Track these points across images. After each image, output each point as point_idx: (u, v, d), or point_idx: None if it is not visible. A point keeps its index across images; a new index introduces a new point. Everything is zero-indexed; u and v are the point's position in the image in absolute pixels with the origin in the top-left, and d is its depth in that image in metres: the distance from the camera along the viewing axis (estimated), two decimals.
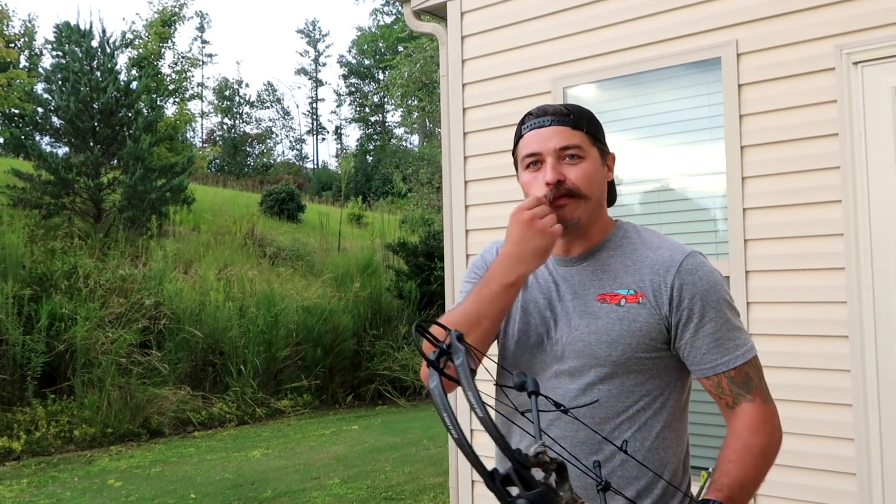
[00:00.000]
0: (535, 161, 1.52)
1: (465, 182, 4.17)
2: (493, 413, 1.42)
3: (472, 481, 4.06)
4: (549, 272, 1.58)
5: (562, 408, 1.16)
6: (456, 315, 1.48)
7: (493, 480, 0.87)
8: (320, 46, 52.06)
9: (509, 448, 0.88)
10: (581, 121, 1.54)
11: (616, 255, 1.54)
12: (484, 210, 4.11)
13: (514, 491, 0.87)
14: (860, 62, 2.97)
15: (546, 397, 1.12)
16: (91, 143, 14.20)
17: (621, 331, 1.47)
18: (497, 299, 1.46)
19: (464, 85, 4.19)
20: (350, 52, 49.66)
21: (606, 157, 1.59)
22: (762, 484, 1.48)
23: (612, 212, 1.65)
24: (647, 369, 1.49)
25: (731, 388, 1.47)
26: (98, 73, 14.43)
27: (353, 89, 49.46)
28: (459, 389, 1.15)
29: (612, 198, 1.64)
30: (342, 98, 51.04)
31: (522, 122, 1.58)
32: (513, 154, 1.62)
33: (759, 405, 1.46)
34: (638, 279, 1.49)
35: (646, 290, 1.48)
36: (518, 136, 1.59)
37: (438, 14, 4.47)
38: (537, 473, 0.88)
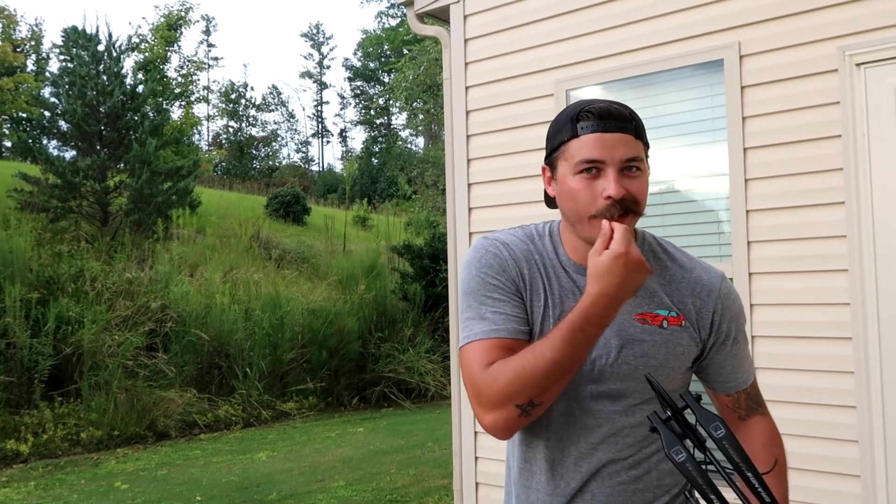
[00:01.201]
0: (593, 168, 1.35)
1: (469, 185, 4.18)
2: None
3: (476, 483, 4.06)
4: (572, 283, 1.44)
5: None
6: (545, 364, 1.30)
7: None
8: (325, 49, 52.14)
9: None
10: (641, 130, 1.40)
11: (657, 269, 1.46)
12: (487, 212, 4.12)
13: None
14: (863, 64, 2.97)
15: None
16: (98, 147, 14.25)
17: (667, 355, 1.41)
18: (593, 342, 1.33)
19: (467, 88, 4.20)
20: (355, 54, 49.77)
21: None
22: None
23: None
24: (678, 387, 1.47)
25: (748, 403, 1.54)
26: (104, 77, 14.48)
27: (358, 92, 49.53)
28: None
29: None
30: (347, 101, 51.13)
31: (576, 119, 1.38)
32: (551, 152, 1.44)
33: (769, 417, 1.56)
34: (678, 300, 1.43)
35: (688, 313, 1.44)
36: (570, 135, 1.39)
37: (442, 17, 4.48)
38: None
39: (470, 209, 4.17)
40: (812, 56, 3.10)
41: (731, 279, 3.19)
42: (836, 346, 3.00)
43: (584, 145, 1.36)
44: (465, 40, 4.20)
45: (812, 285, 3.08)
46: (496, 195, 4.07)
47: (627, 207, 1.35)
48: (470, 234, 4.17)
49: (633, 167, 1.36)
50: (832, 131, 3.04)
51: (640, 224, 1.45)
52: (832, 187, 3.03)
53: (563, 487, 1.43)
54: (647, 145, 1.41)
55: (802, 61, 3.13)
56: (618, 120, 1.36)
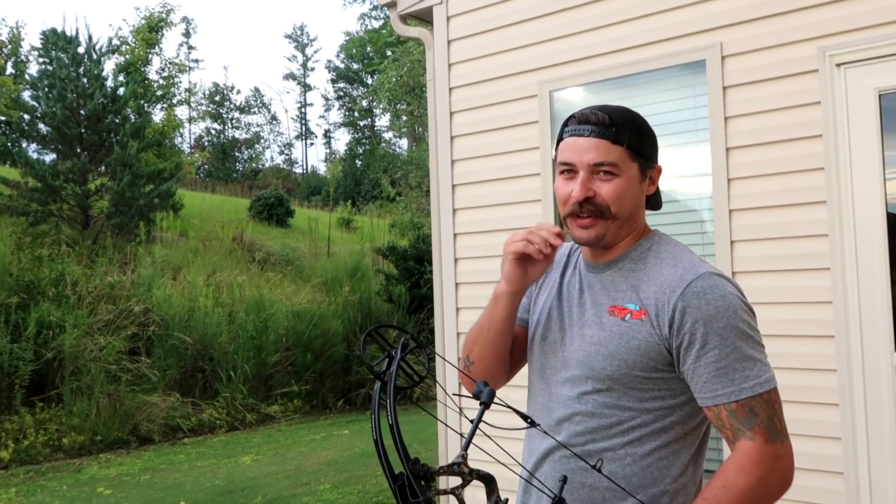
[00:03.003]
0: (567, 170, 1.49)
1: (453, 185, 4.18)
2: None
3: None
4: (579, 277, 1.58)
5: (529, 420, 1.22)
6: (475, 324, 1.64)
7: (394, 483, 1.02)
8: (308, 51, 52.00)
9: (407, 458, 1.05)
10: (624, 134, 1.47)
11: (636, 269, 1.50)
12: (472, 214, 4.12)
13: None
14: (843, 64, 3.00)
15: (517, 411, 1.24)
16: (78, 150, 14.13)
17: (619, 346, 1.44)
18: (490, 309, 1.59)
19: (451, 89, 4.20)
20: (338, 56, 49.65)
21: (649, 171, 1.53)
22: None
23: None
24: (646, 388, 1.45)
25: (731, 422, 1.38)
26: (85, 80, 14.36)
27: (342, 94, 49.43)
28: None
29: (656, 204, 1.60)
30: (331, 102, 51.01)
31: (566, 123, 1.52)
32: (554, 150, 1.59)
33: (758, 444, 1.36)
34: (645, 296, 1.45)
35: (650, 307, 1.44)
36: (559, 139, 1.53)
37: (425, 18, 4.48)
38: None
39: (454, 210, 4.17)
40: (793, 56, 3.13)
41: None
42: (818, 344, 3.03)
43: (563, 148, 1.50)
44: (449, 41, 4.20)
45: (795, 284, 3.10)
46: (481, 196, 4.07)
47: (594, 209, 1.46)
48: (454, 234, 4.17)
49: (605, 171, 1.46)
50: (813, 131, 3.06)
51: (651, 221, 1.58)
52: (814, 186, 3.05)
53: (530, 456, 1.58)
54: (637, 151, 1.48)
55: (783, 62, 3.15)
56: (595, 125, 1.46)
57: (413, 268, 12.85)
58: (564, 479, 1.19)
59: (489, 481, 1.16)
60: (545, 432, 1.44)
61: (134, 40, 23.40)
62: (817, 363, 3.02)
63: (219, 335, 10.21)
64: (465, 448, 1.15)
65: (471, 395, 1.19)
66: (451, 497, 1.14)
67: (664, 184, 3.50)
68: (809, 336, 3.05)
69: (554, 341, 1.56)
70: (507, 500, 1.19)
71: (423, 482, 1.07)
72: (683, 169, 3.51)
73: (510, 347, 1.64)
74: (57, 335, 8.90)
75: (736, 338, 1.38)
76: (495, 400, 1.21)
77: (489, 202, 4.03)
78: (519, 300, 1.59)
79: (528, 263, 1.53)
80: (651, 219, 1.71)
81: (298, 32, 52.38)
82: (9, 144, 14.47)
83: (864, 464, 2.90)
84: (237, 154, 43.15)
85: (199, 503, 6.21)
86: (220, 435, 9.41)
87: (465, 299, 4.14)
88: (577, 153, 1.47)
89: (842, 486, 2.94)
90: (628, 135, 1.47)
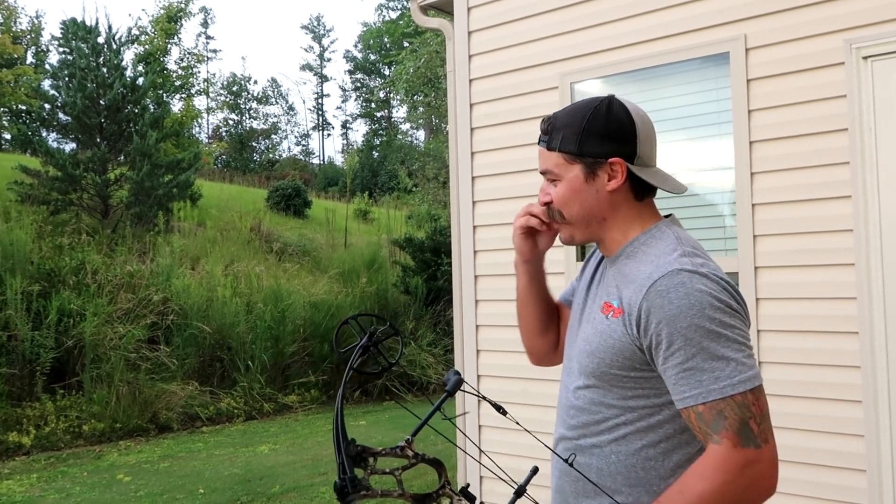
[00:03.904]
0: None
1: (473, 178, 4.17)
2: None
3: (481, 477, 4.06)
4: (600, 264, 1.60)
5: (501, 410, 1.30)
6: None
7: (340, 457, 1.15)
8: (325, 42, 52.04)
9: (344, 441, 1.17)
10: (556, 138, 1.48)
11: (626, 264, 1.47)
12: (491, 206, 4.11)
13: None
14: (870, 57, 2.95)
15: (489, 401, 1.35)
16: (98, 140, 14.23)
17: (598, 344, 1.44)
18: (516, 280, 1.73)
19: (471, 80, 4.18)
20: (356, 47, 49.66)
21: (600, 168, 1.46)
22: None
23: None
24: (627, 387, 1.42)
25: (699, 425, 1.32)
26: (104, 70, 14.45)
27: (359, 85, 49.45)
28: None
29: (649, 191, 1.53)
30: (348, 94, 51.06)
31: None
32: None
33: (724, 448, 1.29)
34: (626, 294, 1.42)
35: (626, 306, 1.40)
36: None
37: (445, 9, 4.46)
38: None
39: (474, 202, 4.16)
40: (818, 49, 3.09)
41: (735, 273, 3.18)
42: (842, 341, 3.00)
43: None
44: (469, 33, 4.18)
45: (818, 279, 3.07)
46: (500, 188, 4.06)
47: (552, 214, 1.54)
48: (474, 227, 4.16)
49: (550, 178, 1.51)
50: (838, 125, 3.03)
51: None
52: (838, 181, 3.02)
53: (554, 443, 1.60)
54: (572, 153, 1.47)
55: (809, 54, 3.11)
56: (541, 134, 1.52)
57: (430, 259, 12.85)
58: (573, 456, 1.36)
59: (438, 465, 1.26)
60: (517, 423, 1.39)
61: (153, 30, 23.52)
62: (841, 360, 2.99)
63: (237, 325, 10.27)
64: (414, 434, 1.25)
65: (392, 447, 1.29)
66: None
67: (685, 177, 3.49)
68: (833, 332, 3.02)
69: (572, 332, 1.60)
70: (468, 485, 1.33)
71: (363, 461, 1.19)
72: (705, 163, 3.48)
73: (546, 319, 1.74)
74: (77, 323, 8.99)
75: (702, 338, 1.31)
76: (466, 389, 1.29)
77: (509, 194, 4.02)
78: (534, 269, 1.70)
79: (536, 235, 1.64)
80: (673, 212, 1.67)
81: (315, 23, 52.44)
82: (29, 133, 14.61)
83: (887, 461, 2.88)
84: (255, 144, 43.31)
85: (217, 491, 6.26)
86: (237, 424, 9.48)
87: (483, 291, 4.14)
88: (539, 162, 1.55)
89: (864, 484, 2.92)
90: (561, 138, 1.47)
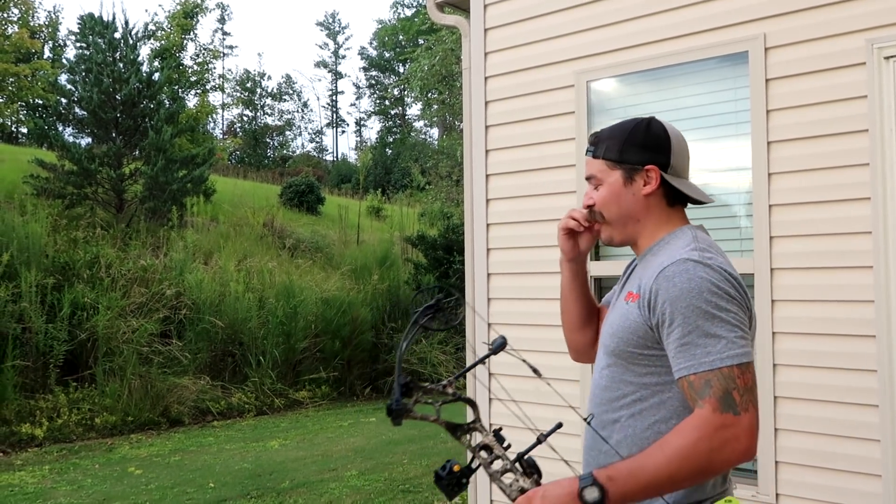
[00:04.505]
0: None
1: (487, 176, 4.15)
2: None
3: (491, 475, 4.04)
4: (633, 265, 1.81)
5: (537, 373, 1.68)
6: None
7: (400, 386, 1.50)
8: (340, 39, 52.10)
9: (398, 374, 1.52)
10: (600, 148, 1.73)
11: (651, 260, 1.69)
12: (505, 204, 4.09)
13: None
14: (891, 57, 2.91)
15: (528, 364, 1.72)
16: (113, 134, 14.31)
17: (619, 325, 1.66)
18: (561, 278, 1.93)
19: (486, 78, 4.16)
20: (371, 44, 49.69)
21: (637, 174, 1.70)
22: (676, 486, 1.50)
23: None
24: (641, 364, 1.63)
25: (690, 393, 1.52)
26: (121, 65, 14.53)
27: (373, 82, 49.49)
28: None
29: (680, 199, 1.74)
30: (362, 91, 51.11)
31: None
32: None
33: (704, 412, 1.48)
34: (643, 282, 1.63)
35: (641, 292, 1.62)
36: None
37: (461, 6, 4.45)
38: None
39: (488, 200, 4.14)
40: (839, 49, 3.05)
41: (750, 274, 3.15)
42: (859, 344, 2.96)
43: None
44: (486, 30, 4.16)
45: (835, 282, 3.03)
46: (515, 186, 4.04)
47: (595, 216, 1.77)
48: (487, 225, 4.14)
49: (594, 182, 1.75)
50: (859, 125, 2.99)
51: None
52: (858, 182, 2.98)
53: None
54: (614, 160, 1.71)
55: (829, 54, 3.07)
56: (588, 145, 1.78)
57: (442, 257, 12.85)
58: (592, 416, 1.66)
59: (472, 404, 1.53)
60: (548, 382, 1.73)
61: (169, 26, 23.62)
62: (857, 363, 2.96)
63: (249, 320, 10.30)
64: (456, 378, 1.54)
65: (434, 385, 1.57)
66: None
67: (702, 178, 3.46)
68: (849, 335, 2.98)
69: (605, 326, 1.81)
70: (500, 427, 1.58)
71: (411, 391, 1.51)
72: (722, 163, 3.45)
73: (586, 316, 1.94)
74: (91, 316, 9.04)
75: (697, 317, 1.52)
76: (509, 350, 1.60)
77: (523, 192, 4.00)
78: (576, 268, 1.90)
79: (577, 236, 1.85)
80: (689, 212, 1.75)
81: (331, 20, 52.53)
82: (46, 127, 14.70)
83: None
84: (269, 141, 43.44)
85: (227, 485, 6.28)
86: (248, 419, 9.51)
87: (496, 289, 4.12)
88: (585, 171, 1.79)
89: (880, 489, 2.88)
90: (605, 147, 1.72)
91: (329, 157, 49.27)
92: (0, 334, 8.26)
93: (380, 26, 48.11)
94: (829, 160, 3.06)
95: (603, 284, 3.66)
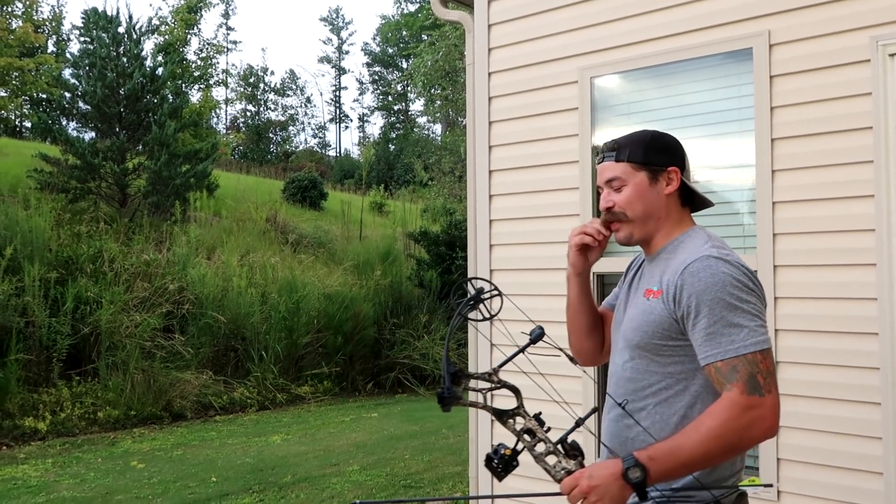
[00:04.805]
0: (601, 189, 1.91)
1: (490, 171, 4.15)
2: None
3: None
4: (640, 266, 1.96)
5: (575, 363, 1.96)
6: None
7: (449, 374, 1.62)
8: (343, 34, 52.06)
9: (447, 364, 1.64)
10: (623, 152, 1.85)
11: (668, 258, 1.83)
12: (508, 200, 4.09)
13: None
14: None
15: (564, 352, 1.89)
16: (117, 129, 14.31)
17: (643, 320, 1.79)
18: (568, 291, 2.05)
19: (490, 73, 4.16)
20: (374, 40, 49.64)
21: (661, 174, 1.85)
22: (710, 462, 1.65)
23: None
24: (666, 354, 1.76)
25: (718, 378, 1.67)
26: (124, 59, 14.52)
27: (377, 78, 49.45)
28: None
29: (702, 202, 1.91)
30: (365, 86, 51.07)
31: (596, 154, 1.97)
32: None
33: (733, 394, 1.63)
34: (665, 279, 1.77)
35: (665, 288, 1.76)
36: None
37: (465, 2, 4.44)
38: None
39: (491, 196, 4.14)
40: (844, 46, 3.04)
41: (754, 271, 3.15)
42: (862, 341, 2.96)
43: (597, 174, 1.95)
44: (489, 25, 4.16)
45: (838, 279, 3.03)
46: (518, 182, 4.04)
47: (615, 216, 1.87)
48: (490, 221, 4.14)
49: (615, 185, 1.86)
50: (863, 123, 2.98)
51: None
52: (861, 180, 2.97)
53: (605, 412, 1.92)
54: (639, 162, 1.84)
55: (834, 51, 3.07)
56: (605, 152, 1.89)
57: (444, 253, 12.85)
58: (626, 402, 1.76)
59: (516, 391, 1.64)
60: (582, 371, 1.93)
61: (173, 20, 23.60)
62: (860, 361, 2.95)
63: (251, 315, 10.32)
64: (500, 365, 1.67)
65: (482, 372, 1.69)
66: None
67: (704, 174, 3.46)
68: (852, 333, 2.98)
69: (618, 321, 1.94)
70: (539, 412, 1.68)
71: (458, 379, 1.63)
72: (725, 160, 3.44)
73: (592, 323, 2.07)
74: (94, 311, 9.06)
75: (722, 308, 1.67)
76: (546, 341, 1.73)
77: (526, 189, 4.00)
78: (584, 282, 2.02)
79: (587, 250, 1.97)
80: (701, 211, 1.78)
81: (334, 15, 52.47)
82: (49, 122, 14.70)
83: None
84: (272, 136, 43.43)
85: (229, 480, 6.30)
86: (250, 414, 9.53)
87: (499, 286, 4.11)
88: (599, 176, 1.90)
89: (881, 487, 2.88)
90: (628, 151, 1.85)
91: (332, 153, 49.27)
92: (3, 328, 8.28)
93: (383, 21, 48.05)
94: (832, 157, 3.06)
95: (606, 281, 3.66)
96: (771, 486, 1.81)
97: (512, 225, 4.08)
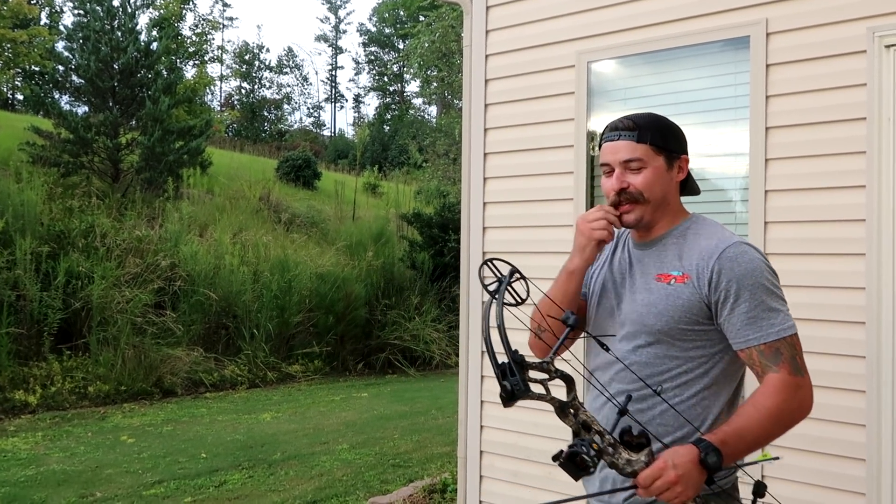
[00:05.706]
0: (608, 170, 1.85)
1: (485, 154, 4.15)
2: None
3: (481, 451, 4.09)
4: (628, 253, 1.91)
5: (605, 347, 1.70)
6: (543, 299, 1.87)
7: (506, 366, 1.49)
8: (341, 13, 51.67)
9: (508, 351, 1.49)
10: (646, 134, 1.81)
11: (678, 243, 1.83)
12: (503, 183, 4.10)
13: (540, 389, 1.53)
14: (892, 45, 2.92)
15: (594, 337, 1.80)
16: (110, 103, 14.22)
17: (666, 305, 1.77)
18: (564, 284, 1.88)
19: (487, 56, 4.15)
20: (371, 19, 49.31)
21: (676, 161, 1.85)
22: (769, 441, 1.69)
23: None
24: (689, 339, 1.76)
25: (761, 360, 1.69)
26: (119, 33, 14.40)
27: (373, 58, 49.18)
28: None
29: (693, 190, 1.91)
30: (361, 66, 50.79)
31: (602, 132, 1.88)
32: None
33: (783, 375, 1.67)
34: (688, 263, 1.78)
35: (692, 272, 1.76)
36: (599, 145, 1.90)
37: None
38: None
39: (485, 179, 4.15)
40: (840, 36, 3.05)
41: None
42: (848, 330, 2.99)
43: (602, 152, 1.87)
44: (487, 7, 4.14)
45: (828, 268, 3.06)
46: (512, 165, 4.05)
47: (630, 197, 1.82)
48: (484, 203, 4.15)
49: (633, 165, 1.81)
50: (857, 113, 3.00)
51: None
52: (854, 170, 3.00)
53: (593, 403, 1.89)
54: (660, 146, 1.81)
55: (830, 41, 3.08)
56: (623, 130, 1.83)
57: (437, 235, 12.86)
58: (629, 397, 1.60)
59: (569, 381, 1.54)
60: (611, 355, 1.78)
61: None
62: (846, 349, 2.99)
63: (243, 293, 10.32)
64: (553, 353, 1.57)
65: (539, 361, 1.53)
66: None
67: (698, 162, 3.47)
68: (840, 321, 3.02)
69: (610, 307, 1.89)
70: (582, 402, 1.57)
71: (521, 368, 1.47)
72: (719, 147, 3.46)
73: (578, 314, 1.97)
74: (85, 286, 9.05)
75: (762, 293, 1.70)
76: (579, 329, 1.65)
77: (521, 172, 4.01)
78: (581, 276, 1.92)
79: (604, 243, 1.91)
80: (685, 197, 1.82)
81: None
82: (42, 95, 14.60)
83: (887, 452, 2.88)
84: (266, 114, 43.19)
85: (219, 456, 6.33)
86: (241, 391, 9.56)
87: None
88: (611, 154, 1.83)
89: (863, 473, 2.93)
90: (650, 133, 1.81)
91: (326, 133, 49.06)
92: None
93: (380, 1, 47.72)
94: (826, 147, 3.08)
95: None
96: (779, 458, 1.84)
97: (506, 208, 4.09)
